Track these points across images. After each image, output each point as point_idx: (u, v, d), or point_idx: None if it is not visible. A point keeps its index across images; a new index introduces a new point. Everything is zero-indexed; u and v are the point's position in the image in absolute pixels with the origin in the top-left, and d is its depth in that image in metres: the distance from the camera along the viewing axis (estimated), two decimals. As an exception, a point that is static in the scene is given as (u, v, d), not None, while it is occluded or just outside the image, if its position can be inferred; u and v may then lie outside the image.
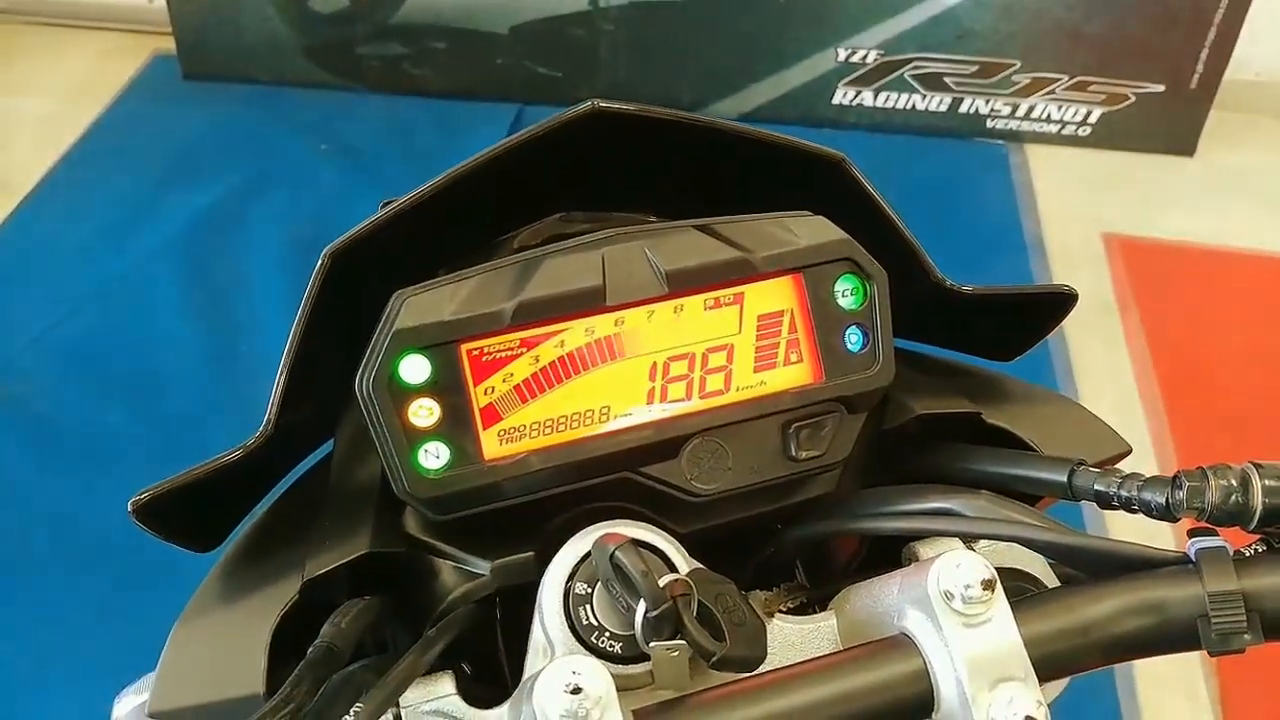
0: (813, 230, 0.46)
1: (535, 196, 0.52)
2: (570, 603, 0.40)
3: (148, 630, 0.49)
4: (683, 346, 0.45)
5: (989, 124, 2.53)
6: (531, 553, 0.44)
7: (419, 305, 0.42)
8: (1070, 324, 2.02)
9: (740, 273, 0.45)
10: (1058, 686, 0.46)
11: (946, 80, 2.48)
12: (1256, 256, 2.33)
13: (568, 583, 0.41)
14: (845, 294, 0.46)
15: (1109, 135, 2.51)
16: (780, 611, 0.45)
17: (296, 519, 0.48)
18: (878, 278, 0.46)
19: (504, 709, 0.38)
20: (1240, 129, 2.56)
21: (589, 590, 0.40)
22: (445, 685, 0.42)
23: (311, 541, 0.45)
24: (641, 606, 0.37)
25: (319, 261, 0.44)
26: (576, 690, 0.32)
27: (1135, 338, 2.15)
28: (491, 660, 0.48)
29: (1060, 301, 0.50)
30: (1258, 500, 0.39)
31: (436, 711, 0.42)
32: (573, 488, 0.44)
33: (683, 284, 0.44)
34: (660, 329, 0.45)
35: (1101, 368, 2.11)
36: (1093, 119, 2.49)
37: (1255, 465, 0.39)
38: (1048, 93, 2.47)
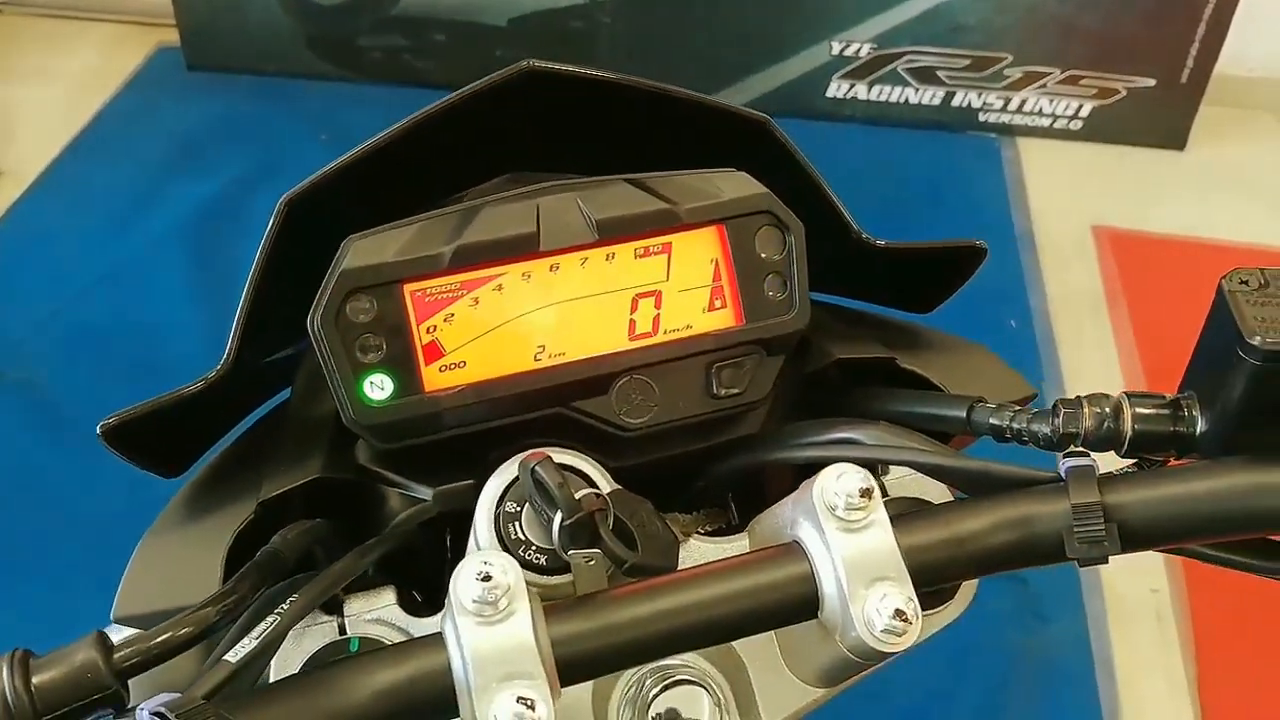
0: (735, 185, 0.49)
1: (484, 159, 0.56)
2: (500, 521, 0.44)
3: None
4: (614, 291, 0.48)
5: (981, 117, 2.56)
6: (471, 481, 0.48)
7: (365, 248, 0.46)
8: (1058, 316, 2.07)
9: (667, 223, 0.48)
10: (963, 602, 0.49)
11: (939, 74, 2.51)
12: (1246, 250, 2.35)
13: (498, 503, 0.44)
14: (765, 244, 0.49)
15: (1100, 129, 2.53)
16: (698, 534, 0.48)
17: (257, 451, 0.52)
18: (795, 229, 0.49)
19: (438, 616, 0.42)
20: (1231, 123, 2.58)
21: (518, 509, 0.43)
22: (387, 597, 0.46)
23: (268, 468, 0.49)
24: (558, 517, 0.40)
25: (276, 207, 0.47)
26: (487, 578, 0.36)
27: (1123, 330, 2.17)
28: (439, 587, 0.51)
29: (973, 255, 0.53)
30: (1128, 426, 0.42)
31: (378, 620, 0.45)
32: (509, 421, 0.48)
33: (613, 232, 0.47)
34: (592, 275, 0.48)
35: (1089, 360, 2.14)
36: (1084, 113, 2.52)
37: (1128, 394, 0.42)
38: (1040, 86, 2.49)
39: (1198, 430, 0.41)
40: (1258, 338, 0.38)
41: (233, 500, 0.48)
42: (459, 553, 0.52)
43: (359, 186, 0.50)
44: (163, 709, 0.31)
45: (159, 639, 0.38)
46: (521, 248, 0.47)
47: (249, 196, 2.47)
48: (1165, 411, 0.42)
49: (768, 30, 2.57)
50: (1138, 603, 1.79)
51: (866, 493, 0.39)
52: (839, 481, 0.39)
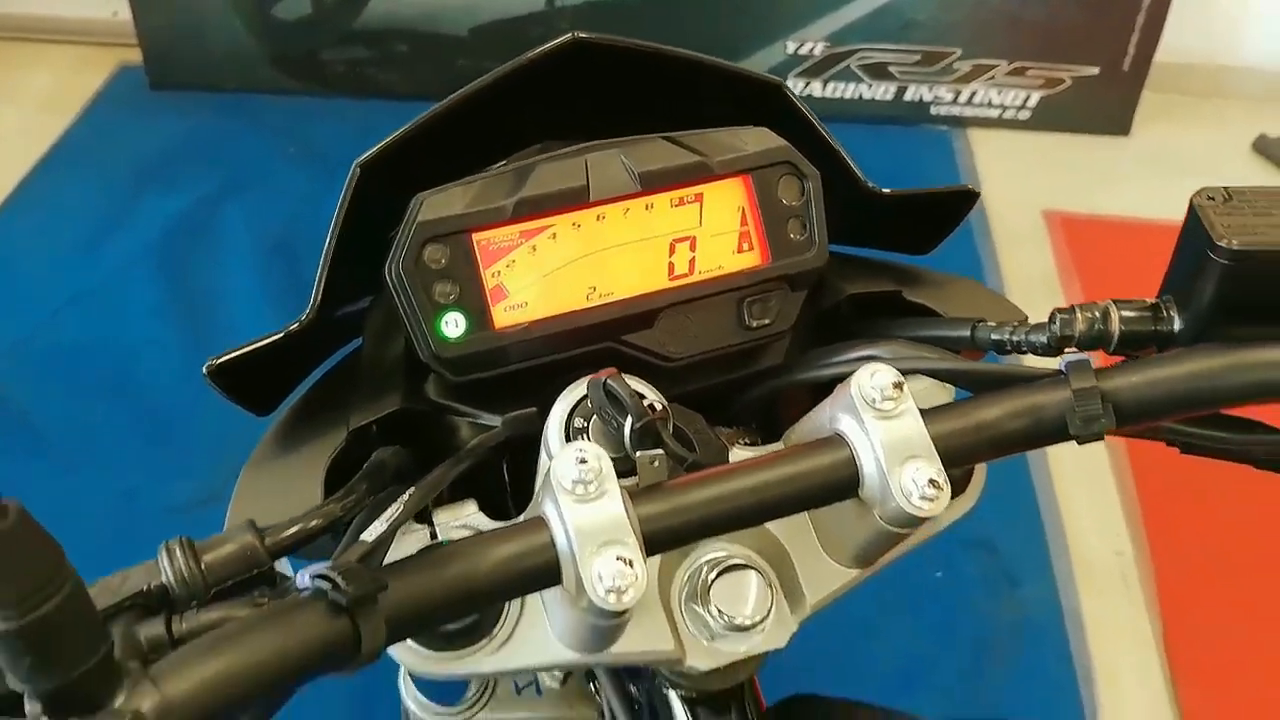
0: (759, 139, 0.55)
1: (517, 129, 0.61)
2: (569, 433, 0.49)
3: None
4: (653, 237, 0.54)
5: (933, 110, 2.65)
6: (535, 408, 0.53)
7: (436, 203, 0.51)
8: (1015, 296, 2.15)
9: (700, 174, 0.54)
10: (974, 494, 0.55)
11: (891, 69, 2.60)
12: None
13: (568, 419, 0.49)
14: (786, 192, 0.55)
15: (1048, 118, 2.63)
16: (738, 445, 0.54)
17: (337, 391, 0.57)
18: (812, 177, 0.55)
19: (522, 516, 0.47)
20: (1172, 108, 2.69)
21: (585, 424, 0.49)
22: (470, 507, 0.51)
23: (352, 403, 0.54)
24: (629, 421, 0.46)
25: (350, 171, 0.53)
26: (584, 461, 0.41)
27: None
28: (499, 506, 0.56)
29: (965, 198, 0.60)
30: (1115, 327, 0.48)
31: (464, 526, 0.50)
32: (567, 355, 0.53)
33: (652, 184, 0.53)
34: (634, 223, 0.53)
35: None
36: (1032, 103, 2.61)
37: (1115, 301, 0.48)
38: (988, 78, 2.59)
39: (1175, 328, 0.48)
40: (1225, 240, 0.44)
41: (324, 432, 0.53)
42: (515, 478, 0.57)
43: (420, 150, 0.55)
44: (324, 570, 0.36)
45: (298, 527, 0.44)
46: (573, 199, 0.52)
47: (218, 212, 2.50)
48: (1147, 313, 0.48)
49: (723, 32, 2.64)
50: (1104, 566, 1.87)
51: (898, 385, 0.44)
52: (874, 378, 0.45)
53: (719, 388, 0.56)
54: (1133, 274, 2.39)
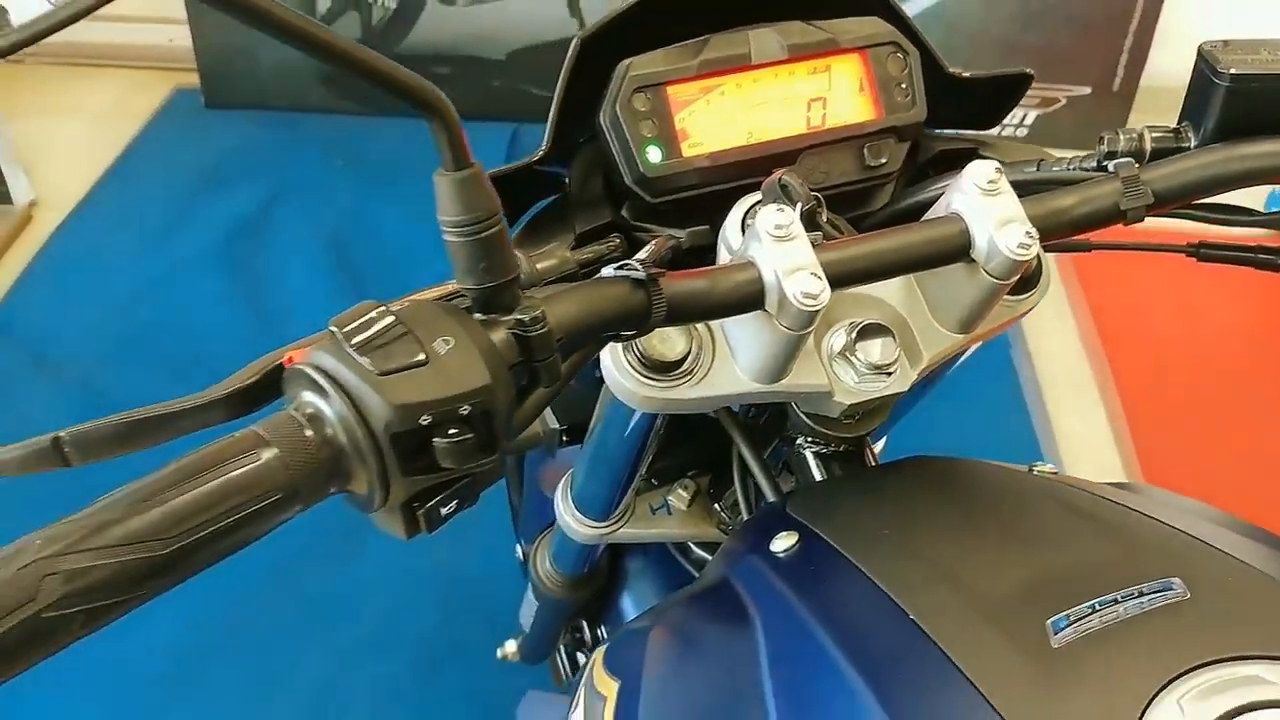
0: (873, 25, 0.72)
1: (684, 18, 0.77)
2: (745, 229, 0.66)
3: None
4: (795, 97, 0.71)
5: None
6: (708, 225, 0.70)
7: (642, 63, 0.68)
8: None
9: (830, 48, 0.71)
10: (1043, 290, 0.72)
11: (900, 89, 2.80)
12: (1174, 232, 2.65)
13: (744, 217, 0.66)
14: (893, 65, 0.73)
15: (1044, 134, 2.84)
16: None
17: (550, 220, 0.74)
18: (912, 55, 0.73)
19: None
20: (1158, 127, 2.90)
21: (753, 224, 0.66)
22: None
23: (570, 221, 0.71)
24: (799, 206, 0.63)
25: (572, 44, 0.70)
26: (781, 211, 0.58)
27: (1081, 310, 2.45)
28: None
29: (1023, 79, 0.77)
30: (1148, 145, 0.66)
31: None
32: (732, 185, 0.70)
33: (796, 53, 0.70)
34: (781, 83, 0.71)
35: (1052, 335, 2.41)
36: (1029, 120, 2.82)
37: (1149, 126, 0.66)
38: (989, 98, 2.79)
39: (1192, 144, 0.65)
40: (1226, 68, 0.62)
41: (553, 238, 0.70)
42: None
43: (618, 33, 0.72)
44: (627, 262, 0.53)
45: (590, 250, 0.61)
46: (739, 62, 0.69)
47: (274, 214, 2.68)
48: (1170, 135, 0.66)
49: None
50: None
51: (999, 170, 0.62)
52: (980, 168, 0.62)
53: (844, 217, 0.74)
54: (1129, 274, 2.59)
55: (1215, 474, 2.08)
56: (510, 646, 1.41)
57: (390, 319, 0.46)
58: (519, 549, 1.30)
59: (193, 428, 0.51)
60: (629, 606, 1.15)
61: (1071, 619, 0.52)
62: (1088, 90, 2.76)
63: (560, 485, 0.93)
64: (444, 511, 0.47)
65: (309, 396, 0.45)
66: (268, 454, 0.42)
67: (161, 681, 1.78)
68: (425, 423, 0.44)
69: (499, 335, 0.48)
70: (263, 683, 1.79)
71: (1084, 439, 2.19)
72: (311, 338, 0.50)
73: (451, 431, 0.44)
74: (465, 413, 0.45)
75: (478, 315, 0.49)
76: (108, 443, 0.51)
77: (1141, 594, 0.52)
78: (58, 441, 0.51)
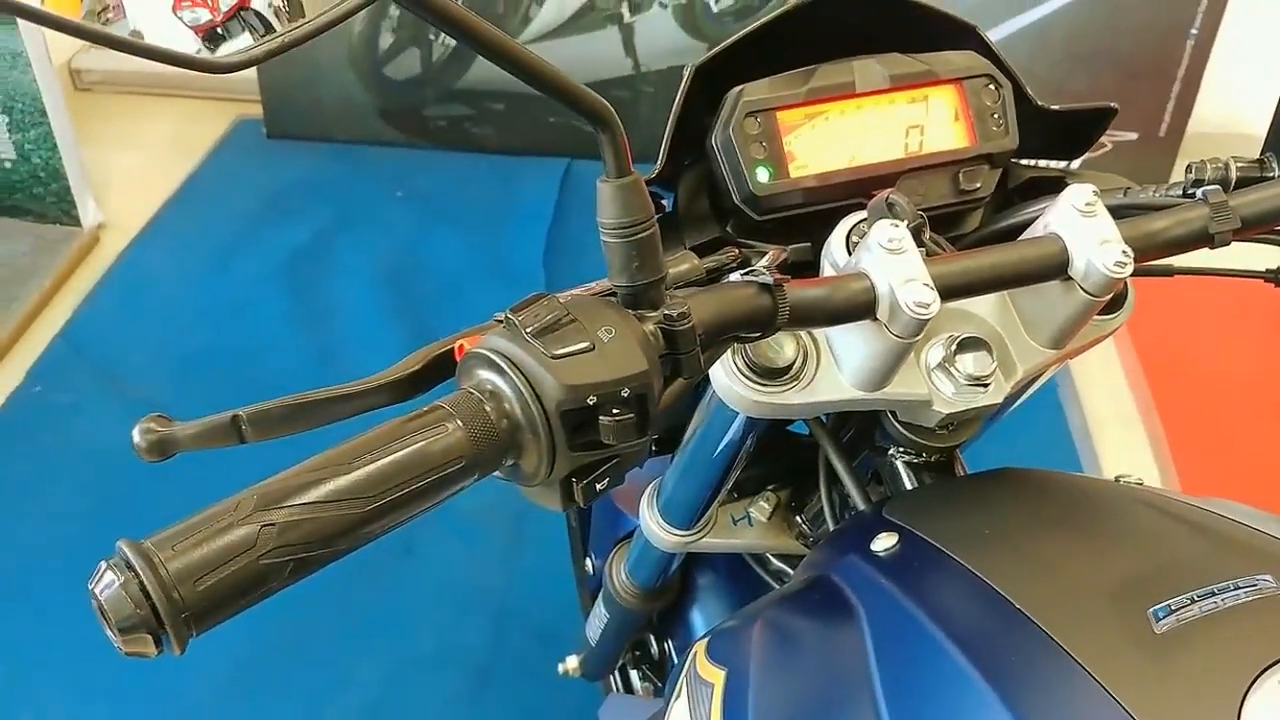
0: (969, 58, 0.77)
1: (790, 50, 0.82)
2: (849, 245, 0.70)
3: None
4: (895, 123, 0.75)
5: (986, 169, 2.89)
6: (809, 243, 0.74)
7: (754, 89, 0.73)
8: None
9: (928, 79, 0.75)
10: (1127, 313, 0.75)
11: (948, 132, 2.85)
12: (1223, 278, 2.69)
13: (848, 234, 0.70)
14: (987, 96, 0.77)
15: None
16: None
17: (663, 231, 0.78)
18: (1005, 87, 0.77)
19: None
20: (1203, 173, 2.94)
21: (859, 240, 0.70)
22: None
23: (679, 238, 0.75)
24: (904, 222, 0.67)
25: (687, 71, 0.74)
26: (895, 226, 0.62)
27: (1124, 340, 2.48)
28: None
29: (1107, 114, 0.81)
30: (1233, 175, 0.70)
31: None
32: (834, 205, 0.74)
33: (898, 83, 0.75)
34: (883, 112, 0.75)
35: (1102, 388, 2.44)
36: (1075, 165, 2.85)
37: (1234, 157, 0.70)
38: (1036, 142, 2.83)
39: (1276, 174, 0.69)
40: None
41: (667, 250, 0.74)
42: None
43: (732, 60, 0.76)
44: (755, 267, 0.57)
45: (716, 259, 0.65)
46: (844, 90, 0.74)
47: (334, 241, 2.74)
48: (1254, 165, 0.70)
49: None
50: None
51: (1097, 195, 0.65)
52: (1078, 190, 0.66)
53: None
54: (1178, 318, 2.62)
55: (1262, 501, 2.09)
56: (572, 662, 1.44)
57: (560, 309, 0.50)
58: (589, 563, 1.34)
59: (360, 409, 0.56)
60: (699, 621, 1.18)
61: (1172, 608, 0.55)
62: (1134, 136, 2.80)
63: (646, 493, 0.96)
64: (599, 487, 0.51)
65: (488, 375, 0.49)
66: (453, 426, 0.47)
67: (216, 696, 1.82)
68: (591, 402, 0.48)
69: (649, 328, 0.52)
70: (317, 698, 1.82)
71: (1128, 467, 2.21)
72: (480, 326, 0.55)
73: (614, 411, 0.48)
74: (626, 395, 0.49)
75: (630, 311, 0.53)
76: (281, 422, 0.55)
77: (1238, 587, 0.56)
78: (236, 419, 0.55)
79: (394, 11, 2.94)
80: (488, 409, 0.48)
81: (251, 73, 3.05)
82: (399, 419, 0.47)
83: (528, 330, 0.49)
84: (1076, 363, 2.43)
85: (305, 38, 0.42)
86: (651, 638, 1.31)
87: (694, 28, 2.92)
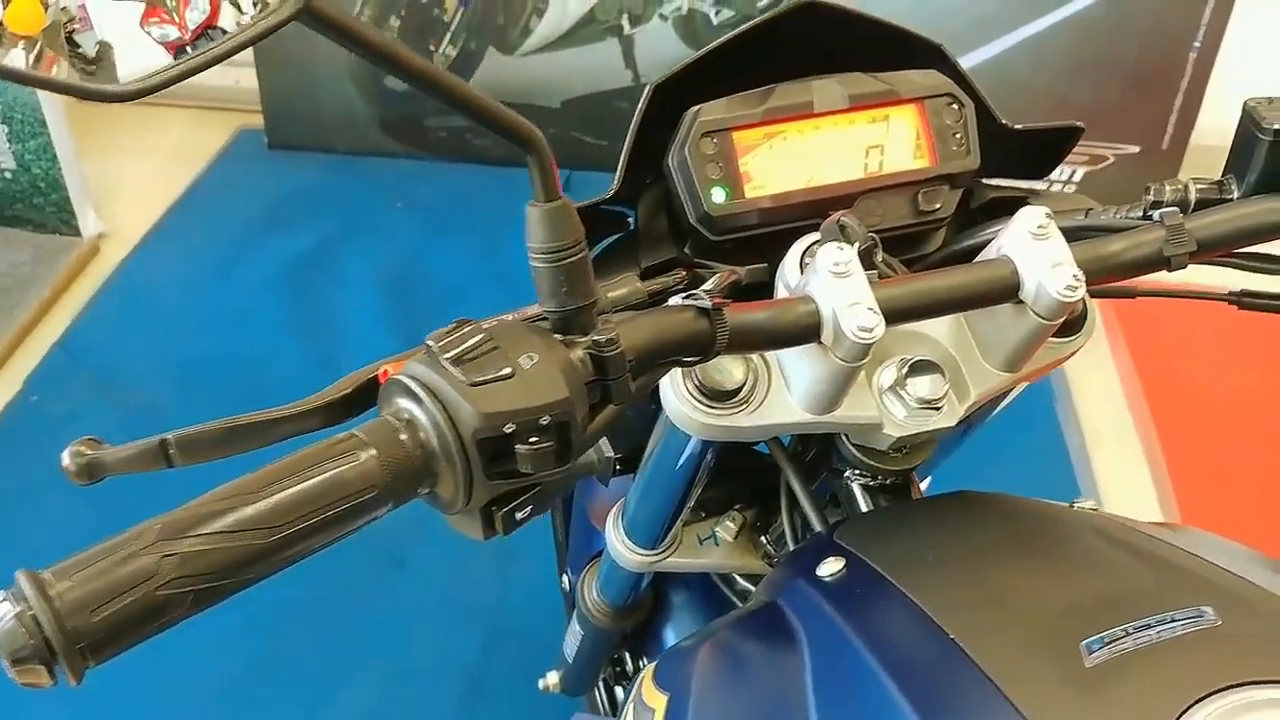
0: (930, 77, 0.76)
1: (754, 67, 0.81)
2: (802, 266, 0.69)
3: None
4: (855, 143, 0.75)
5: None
6: (766, 264, 0.74)
7: (710, 109, 0.72)
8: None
9: (889, 98, 0.75)
10: (1087, 335, 0.74)
11: (948, 144, 2.84)
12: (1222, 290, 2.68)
13: (801, 256, 0.70)
14: (948, 115, 0.76)
15: (1092, 192, 2.84)
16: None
17: (616, 256, 0.77)
18: (967, 105, 0.76)
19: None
20: (1206, 186, 2.92)
21: (811, 260, 0.69)
22: None
23: (635, 257, 0.75)
24: (855, 245, 0.66)
25: (645, 90, 0.74)
26: (841, 249, 0.61)
27: (1122, 355, 2.46)
28: None
29: (1074, 133, 0.80)
30: (1192, 196, 0.69)
31: None
32: (791, 226, 0.73)
33: (856, 103, 0.74)
34: (841, 131, 0.74)
35: (1093, 380, 2.43)
36: (1077, 177, 2.85)
37: (1194, 178, 0.69)
38: (1037, 155, 2.82)
39: (1235, 196, 0.68)
40: (1269, 123, 0.65)
41: (620, 271, 0.74)
42: None
43: (689, 80, 0.76)
44: (693, 292, 0.56)
45: (660, 281, 0.65)
46: (802, 110, 0.73)
47: (335, 251, 2.75)
48: (1214, 186, 0.69)
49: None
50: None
51: (1049, 217, 0.65)
52: (1030, 213, 0.65)
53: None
54: (1170, 323, 2.60)
55: (1257, 522, 2.08)
56: (552, 678, 1.44)
57: (481, 335, 0.49)
58: (565, 580, 1.33)
59: (290, 434, 0.55)
60: (671, 638, 1.18)
61: (1105, 640, 0.54)
62: (1136, 149, 2.78)
63: (611, 513, 0.96)
64: (519, 516, 0.51)
65: (405, 403, 0.48)
66: (366, 455, 0.46)
67: (209, 708, 1.81)
68: (509, 430, 0.47)
69: (576, 354, 0.52)
70: (310, 710, 1.82)
71: (1125, 487, 2.20)
72: (406, 353, 0.54)
73: (532, 439, 0.48)
74: (545, 423, 0.48)
75: (558, 336, 0.53)
76: (210, 446, 0.55)
77: (1174, 619, 0.55)
78: (164, 444, 0.55)
79: (395, 24, 2.95)
80: (403, 437, 0.47)
81: (253, 83, 3.06)
82: (313, 445, 0.47)
83: (446, 356, 0.48)
84: (1075, 382, 2.41)
85: (205, 65, 0.42)
86: (627, 654, 1.30)
87: (694, 39, 2.91)
